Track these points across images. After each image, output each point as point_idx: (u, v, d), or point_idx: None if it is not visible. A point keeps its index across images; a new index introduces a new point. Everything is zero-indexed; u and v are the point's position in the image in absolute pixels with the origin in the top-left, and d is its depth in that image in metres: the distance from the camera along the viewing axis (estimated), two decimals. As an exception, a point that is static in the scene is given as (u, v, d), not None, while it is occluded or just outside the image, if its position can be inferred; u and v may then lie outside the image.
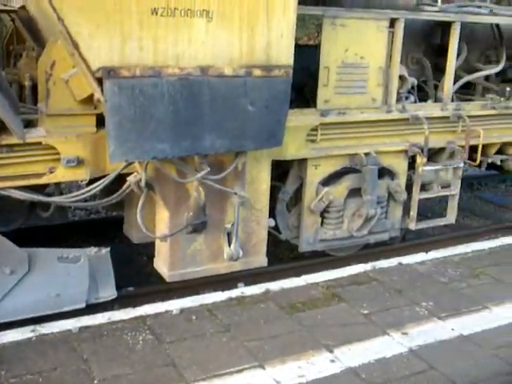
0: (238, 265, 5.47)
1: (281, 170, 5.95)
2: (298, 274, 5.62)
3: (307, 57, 6.03)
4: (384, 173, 6.35)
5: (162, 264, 5.32)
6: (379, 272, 5.70)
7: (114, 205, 5.42)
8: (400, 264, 5.92)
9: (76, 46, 3.98)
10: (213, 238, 5.28)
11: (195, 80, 4.38)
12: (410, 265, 5.92)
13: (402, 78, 6.35)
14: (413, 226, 6.56)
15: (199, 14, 4.32)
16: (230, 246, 5.27)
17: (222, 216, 5.28)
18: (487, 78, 7.78)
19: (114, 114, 4.17)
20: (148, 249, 6.30)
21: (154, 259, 5.44)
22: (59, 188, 5.18)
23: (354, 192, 6.13)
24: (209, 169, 4.80)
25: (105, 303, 5.10)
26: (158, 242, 5.34)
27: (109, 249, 5.20)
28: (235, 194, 5.12)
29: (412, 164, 6.51)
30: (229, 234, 5.28)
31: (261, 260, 5.61)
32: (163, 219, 5.14)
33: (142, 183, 4.74)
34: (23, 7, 5.41)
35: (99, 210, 7.98)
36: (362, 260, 6.20)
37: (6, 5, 5.18)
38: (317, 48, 5.98)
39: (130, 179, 4.79)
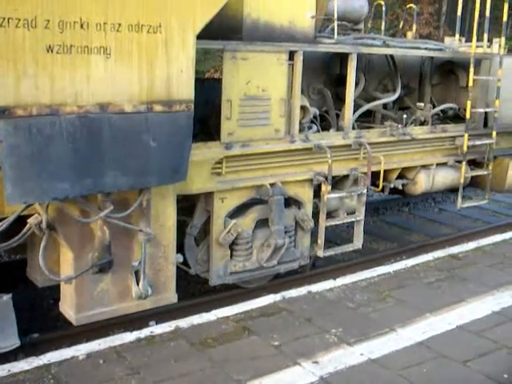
0: (148, 303, 5.37)
1: (188, 204, 5.93)
2: (209, 309, 5.56)
3: (211, 90, 6.09)
4: (290, 202, 6.45)
5: (68, 307, 5.14)
6: (289, 302, 5.74)
7: (17, 248, 5.19)
8: (309, 292, 5.99)
9: (-33, 85, 3.83)
10: (120, 277, 5.16)
11: (95, 118, 4.32)
12: (319, 292, 6.00)
13: (303, 108, 6.49)
14: (321, 253, 6.68)
15: (96, 50, 4.28)
16: (138, 284, 5.17)
17: (129, 254, 5.18)
18: (385, 105, 8.10)
19: (10, 154, 4.03)
20: (54, 291, 6.09)
21: (60, 302, 5.25)
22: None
23: (262, 223, 6.19)
24: (112, 207, 4.72)
25: (7, 353, 4.85)
26: (63, 285, 5.16)
27: (10, 295, 4.97)
28: (141, 231, 5.04)
29: (317, 192, 6.64)
30: (136, 272, 5.18)
31: (170, 297, 5.52)
32: (67, 261, 4.98)
33: (44, 225, 4.59)
34: None
35: (1, 253, 7.64)
36: (274, 290, 6.23)
37: None
38: (219, 80, 6.04)
39: (31, 221, 4.64)
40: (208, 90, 6.25)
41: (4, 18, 3.87)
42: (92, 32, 4.24)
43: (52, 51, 4.09)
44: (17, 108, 4.00)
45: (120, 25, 4.35)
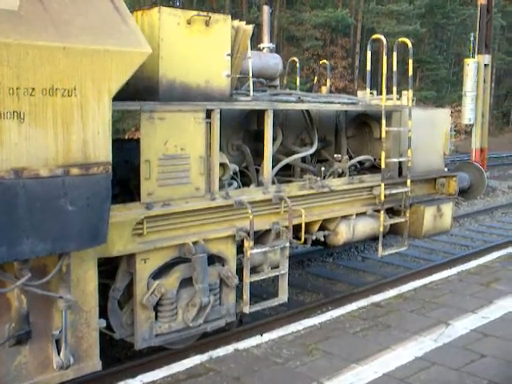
0: (71, 372, 5.15)
1: (109, 267, 5.81)
2: (135, 375, 5.40)
3: (131, 150, 6.08)
4: (214, 259, 6.43)
5: (-17, 383, 4.88)
6: (216, 361, 5.66)
7: None
8: (236, 350, 5.93)
9: None
10: (40, 347, 4.95)
11: (9, 183, 4.22)
12: (246, 349, 5.95)
13: (223, 165, 6.57)
14: (247, 309, 6.65)
15: (9, 115, 4.22)
16: (59, 353, 4.97)
17: (49, 323, 4.99)
18: (304, 159, 8.29)
19: None
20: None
21: (-27, 380, 4.98)
22: None
23: (186, 282, 6.12)
24: (30, 274, 4.56)
25: None
26: (-23, 360, 4.90)
27: None
28: (61, 297, 4.88)
29: (241, 248, 6.66)
30: (57, 341, 4.99)
31: (94, 364, 5.32)
32: (-18, 333, 4.75)
33: (-45, 297, 4.39)
34: None
35: None
36: (201, 350, 6.12)
37: None
38: (137, 141, 6.04)
39: None
40: (128, 151, 6.24)
41: None
42: (4, 97, 4.17)
43: (-38, 117, 4.00)
44: None
45: (33, 89, 4.31)
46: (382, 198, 8.23)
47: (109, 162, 4.75)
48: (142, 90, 5.91)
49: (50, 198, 4.45)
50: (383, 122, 8.13)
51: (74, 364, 5.07)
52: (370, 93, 9.58)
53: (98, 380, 5.64)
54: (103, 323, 5.42)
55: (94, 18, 4.76)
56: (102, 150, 4.71)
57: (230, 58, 6.43)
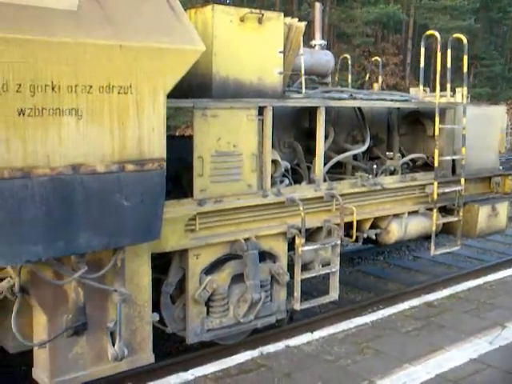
0: (124, 364, 5.26)
1: (162, 262, 5.89)
2: (186, 368, 5.46)
3: (183, 147, 6.14)
4: (265, 256, 6.45)
5: (41, 373, 5.01)
6: (267, 357, 5.67)
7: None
8: (287, 347, 5.93)
9: None
10: (95, 339, 5.07)
11: (67, 179, 4.32)
12: (296, 346, 5.94)
13: (275, 162, 6.58)
14: (298, 306, 6.66)
15: (68, 112, 4.31)
16: (113, 345, 5.08)
17: (104, 315, 5.10)
18: (355, 156, 8.23)
19: (-19, 218, 4.00)
20: (26, 357, 5.94)
21: (33, 368, 5.12)
22: None
23: (237, 278, 6.17)
24: (86, 268, 4.68)
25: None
26: (36, 350, 5.04)
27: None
28: (115, 291, 4.98)
29: (292, 245, 6.66)
30: (112, 334, 5.10)
31: (147, 357, 5.42)
32: (41, 324, 4.89)
33: (16, 288, 4.53)
34: None
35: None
36: (251, 346, 6.14)
37: None
38: (190, 138, 6.11)
39: (3, 285, 4.58)
40: (180, 147, 6.31)
41: (-25, 83, 3.90)
42: (63, 94, 4.27)
43: (24, 114, 4.11)
44: (-12, 172, 3.99)
45: (91, 86, 4.40)
46: (435, 196, 8.11)
47: (163, 159, 4.82)
48: (195, 87, 5.97)
49: (106, 194, 4.54)
50: (437, 119, 8.00)
51: (127, 356, 5.18)
52: (423, 90, 9.44)
53: (151, 373, 5.72)
54: (156, 317, 5.51)
55: (150, 17, 4.83)
56: (156, 147, 4.78)
57: (282, 55, 6.44)
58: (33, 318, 4.98)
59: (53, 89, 4.22)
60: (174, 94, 5.00)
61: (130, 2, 4.81)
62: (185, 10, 5.35)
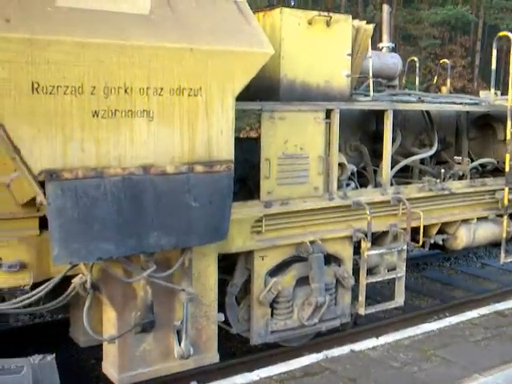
0: (190, 363, 5.35)
1: (228, 263, 5.95)
2: (251, 369, 5.50)
3: (249, 149, 6.19)
4: (330, 259, 6.42)
5: (110, 367, 5.15)
6: (331, 361, 5.65)
7: (59, 308, 5.26)
8: (352, 351, 5.89)
9: (17, 150, 3.99)
10: (162, 336, 5.17)
11: (138, 179, 4.42)
12: (361, 351, 5.89)
13: (341, 165, 6.55)
14: (362, 311, 6.60)
15: (140, 114, 4.41)
16: (180, 343, 5.17)
17: (171, 314, 5.20)
18: (422, 160, 8.09)
19: (57, 216, 4.14)
20: (95, 351, 6.10)
21: (103, 362, 5.26)
22: (1, 294, 5.02)
23: (302, 280, 6.16)
24: (155, 267, 4.77)
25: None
26: (105, 344, 5.19)
27: (54, 355, 4.98)
28: (183, 290, 5.07)
29: (357, 249, 6.61)
30: (178, 332, 5.19)
31: (212, 356, 5.50)
32: (110, 320, 5.02)
33: (88, 285, 4.67)
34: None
35: (43, 313, 7.72)
36: (315, 349, 6.14)
37: None
38: (257, 140, 6.15)
39: (75, 281, 4.72)
40: (246, 149, 6.35)
41: (53, 86, 4.04)
42: (135, 97, 4.38)
43: (97, 116, 4.23)
44: (64, 171, 4.13)
45: (162, 89, 4.49)
46: (506, 202, 7.89)
47: (231, 160, 4.87)
48: (262, 90, 6.00)
49: (175, 194, 4.62)
50: (509, 122, 7.79)
51: (193, 355, 5.25)
52: (494, 93, 9.19)
53: (216, 372, 5.78)
54: (222, 317, 5.57)
55: (219, 20, 4.89)
56: (225, 149, 4.83)
57: (350, 57, 6.40)
58: (103, 314, 5.12)
59: (125, 91, 4.33)
60: (241, 97, 5.05)
61: (201, 5, 4.88)
62: (253, 13, 5.39)
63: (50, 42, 3.98)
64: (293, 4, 37.49)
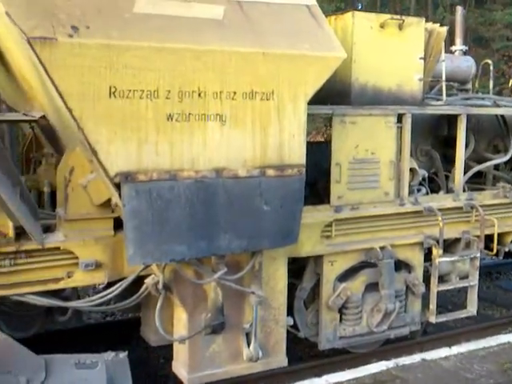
0: (258, 365, 5.37)
1: (296, 267, 5.94)
2: (319, 374, 5.48)
3: (319, 153, 6.17)
4: (400, 266, 6.32)
5: (181, 367, 5.23)
6: (402, 369, 5.56)
7: (130, 307, 5.37)
8: (423, 360, 5.77)
9: (95, 152, 4.10)
10: (231, 338, 5.22)
11: (210, 182, 4.47)
12: (433, 360, 5.77)
13: (412, 170, 6.45)
14: (433, 319, 6.46)
15: (213, 117, 4.46)
16: (249, 346, 5.19)
17: (240, 316, 5.23)
18: (496, 166, 7.86)
19: (132, 217, 4.24)
20: (164, 351, 6.20)
21: (173, 362, 5.35)
22: (76, 291, 5.18)
23: (372, 286, 6.09)
24: (226, 269, 4.81)
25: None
26: (176, 344, 5.27)
27: (126, 353, 5.10)
28: (253, 293, 5.09)
29: (428, 256, 6.48)
30: (247, 335, 5.22)
31: (281, 360, 5.50)
32: (181, 321, 5.10)
33: (160, 285, 4.75)
34: (43, 117, 5.61)
35: (114, 312, 7.91)
36: (383, 356, 6.06)
37: (26, 114, 5.36)
38: (327, 144, 6.12)
39: (148, 281, 4.81)
40: (316, 153, 6.32)
41: (130, 90, 4.13)
42: (209, 100, 4.43)
43: (172, 119, 4.31)
44: (139, 173, 4.22)
45: (235, 93, 4.53)
46: None
47: (303, 165, 4.86)
48: (333, 94, 5.96)
49: (247, 198, 4.65)
50: None
51: (262, 358, 5.27)
52: None
53: (284, 375, 5.78)
54: (291, 321, 5.57)
55: (292, 24, 4.90)
56: (296, 153, 4.83)
57: (422, 61, 6.29)
58: (174, 314, 5.20)
59: (199, 95, 4.39)
60: (312, 101, 5.03)
61: (273, 10, 4.89)
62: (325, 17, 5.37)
63: (128, 48, 4.08)
64: (359, 7, 37.20)
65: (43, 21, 3.87)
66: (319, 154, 6.23)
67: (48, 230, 4.79)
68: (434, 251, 6.36)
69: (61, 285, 4.72)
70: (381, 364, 5.67)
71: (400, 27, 6.10)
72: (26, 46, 3.80)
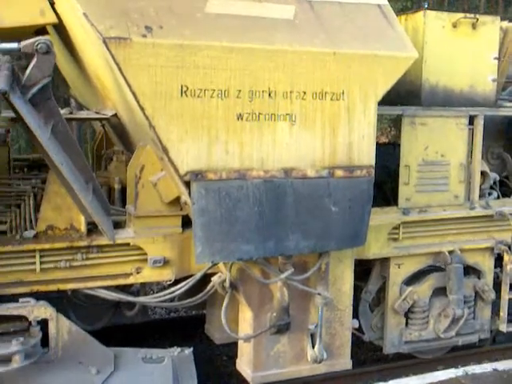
0: (322, 367, 5.33)
1: (362, 269, 5.87)
2: (385, 379, 5.40)
3: (386, 154, 6.08)
4: (469, 271, 6.17)
5: (245, 365, 5.24)
6: (472, 378, 5.41)
7: (196, 304, 5.43)
8: (495, 370, 5.60)
9: (166, 150, 4.15)
10: (296, 339, 5.20)
11: (279, 182, 4.47)
12: (506, 371, 5.57)
13: (483, 173, 6.29)
14: (504, 327, 6.26)
15: (282, 117, 4.46)
16: (313, 347, 5.17)
17: (306, 317, 5.21)
18: None
19: (201, 215, 4.28)
20: (226, 348, 6.24)
21: (237, 360, 5.37)
22: (144, 287, 5.26)
23: (439, 291, 5.96)
24: (293, 269, 4.81)
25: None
26: (241, 343, 5.29)
27: (191, 349, 5.17)
28: (319, 294, 5.07)
29: (498, 261, 6.30)
30: (312, 336, 5.19)
31: (345, 362, 5.45)
32: (247, 319, 5.12)
33: (227, 284, 4.78)
34: (115, 115, 5.74)
35: (178, 308, 8.01)
36: (450, 363, 5.93)
37: (98, 112, 5.49)
38: (393, 145, 6.03)
39: (215, 280, 4.84)
40: (384, 155, 6.24)
41: (201, 90, 4.17)
42: (279, 100, 4.43)
43: (242, 119, 4.33)
44: (208, 172, 4.25)
45: (305, 93, 4.51)
46: None
47: (372, 166, 4.80)
48: (403, 94, 5.88)
49: (315, 198, 4.62)
50: None
51: (326, 359, 5.23)
52: None
53: (348, 378, 5.74)
54: (356, 324, 5.51)
55: (363, 24, 4.84)
56: (365, 154, 4.78)
57: (496, 61, 6.12)
58: (239, 313, 5.22)
59: (269, 95, 4.39)
60: (381, 101, 4.96)
61: (344, 10, 4.85)
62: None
63: (200, 47, 4.12)
64: (426, 6, 36.48)
65: (118, 21, 3.95)
66: (386, 155, 6.15)
67: (118, 226, 4.89)
68: (506, 257, 6.17)
69: (130, 280, 4.80)
70: (449, 372, 5.53)
71: (474, 26, 5.96)
72: (102, 45, 3.89)
